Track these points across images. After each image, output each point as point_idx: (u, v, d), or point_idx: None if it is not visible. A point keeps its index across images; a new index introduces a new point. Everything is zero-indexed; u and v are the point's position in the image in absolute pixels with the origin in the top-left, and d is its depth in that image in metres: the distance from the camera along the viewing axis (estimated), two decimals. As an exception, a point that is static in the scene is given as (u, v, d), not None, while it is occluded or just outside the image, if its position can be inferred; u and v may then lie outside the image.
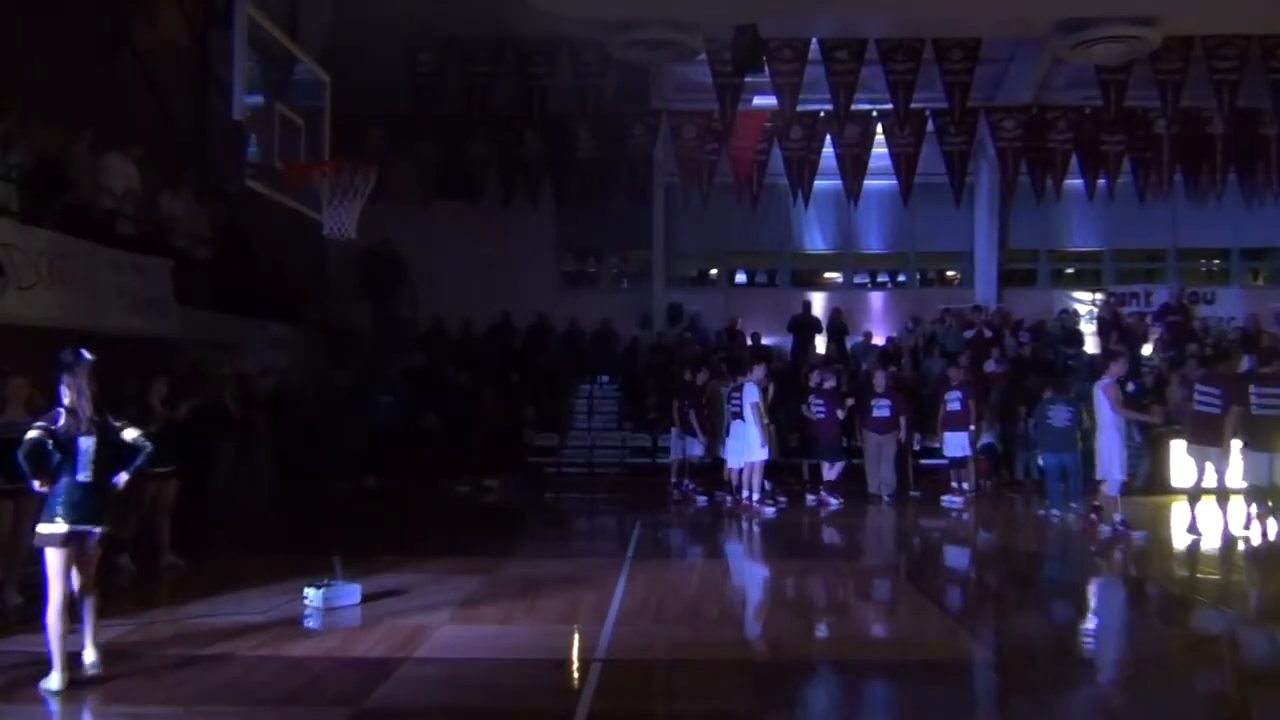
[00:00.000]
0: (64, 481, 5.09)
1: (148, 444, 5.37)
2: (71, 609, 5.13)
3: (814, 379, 13.16)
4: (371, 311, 16.37)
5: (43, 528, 5.09)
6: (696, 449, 12.84)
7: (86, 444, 5.14)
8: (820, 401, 12.57)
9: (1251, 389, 9.34)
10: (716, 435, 12.59)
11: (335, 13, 12.23)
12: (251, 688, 5.12)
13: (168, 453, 8.10)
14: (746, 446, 11.66)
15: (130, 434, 5.35)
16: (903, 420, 12.76)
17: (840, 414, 12.61)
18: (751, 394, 11.59)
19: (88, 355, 5.28)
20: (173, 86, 11.13)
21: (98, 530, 5.18)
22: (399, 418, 14.56)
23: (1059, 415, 11.00)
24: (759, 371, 11.95)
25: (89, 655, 5.19)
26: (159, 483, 8.06)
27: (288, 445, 12.17)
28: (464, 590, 7.28)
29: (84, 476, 5.12)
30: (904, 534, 11.00)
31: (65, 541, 5.05)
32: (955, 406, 12.44)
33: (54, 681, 4.95)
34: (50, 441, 5.07)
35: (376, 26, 13.18)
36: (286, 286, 15.18)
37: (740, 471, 11.97)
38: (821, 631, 6.82)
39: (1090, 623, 7.13)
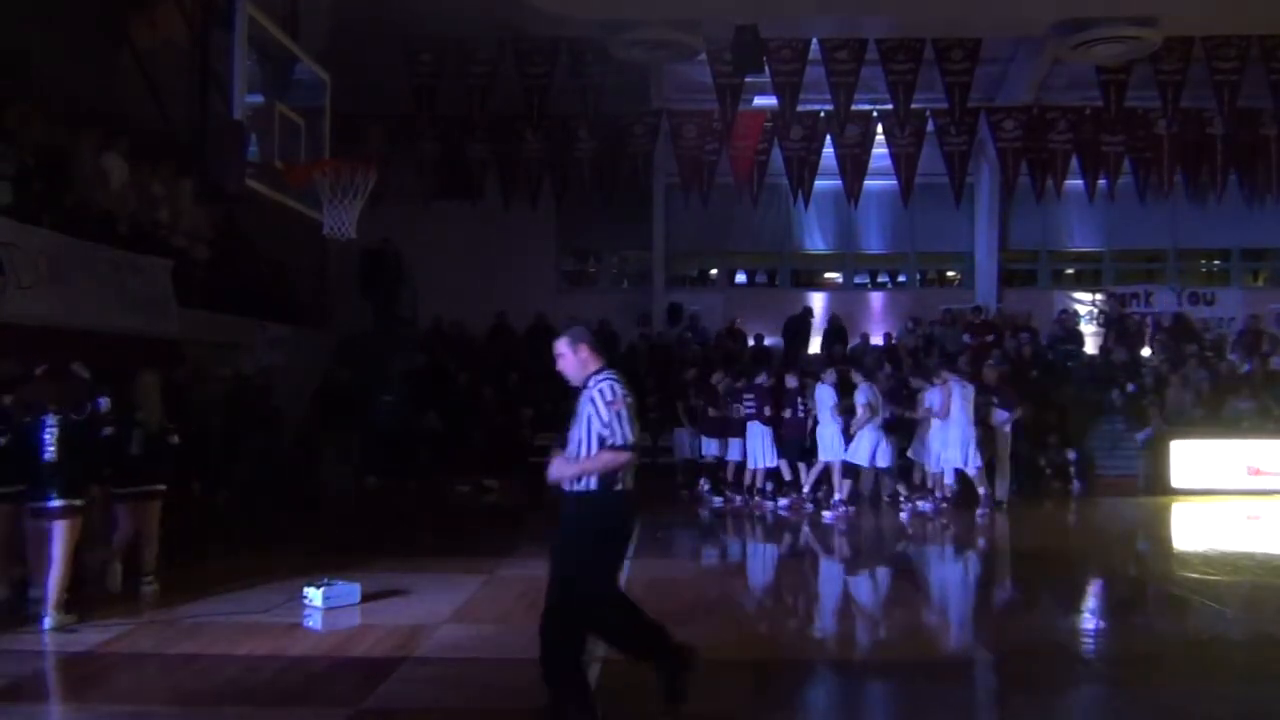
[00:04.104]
0: None
1: None
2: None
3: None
4: (372, 312, 16.36)
5: None
6: (711, 448, 12.87)
7: None
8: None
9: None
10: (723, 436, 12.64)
11: (335, 13, 12.21)
12: (251, 688, 5.12)
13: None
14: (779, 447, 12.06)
15: None
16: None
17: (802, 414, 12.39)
18: (829, 396, 11.69)
19: None
20: (173, 86, 11.12)
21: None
22: (399, 417, 14.53)
23: None
24: (833, 375, 12.04)
25: None
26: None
27: (286, 445, 12.17)
28: (464, 590, 7.29)
29: None
30: (903, 535, 11.00)
31: None
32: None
33: None
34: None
35: (376, 26, 13.17)
36: (286, 286, 15.17)
37: (755, 472, 12.26)
38: (821, 631, 6.82)
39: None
